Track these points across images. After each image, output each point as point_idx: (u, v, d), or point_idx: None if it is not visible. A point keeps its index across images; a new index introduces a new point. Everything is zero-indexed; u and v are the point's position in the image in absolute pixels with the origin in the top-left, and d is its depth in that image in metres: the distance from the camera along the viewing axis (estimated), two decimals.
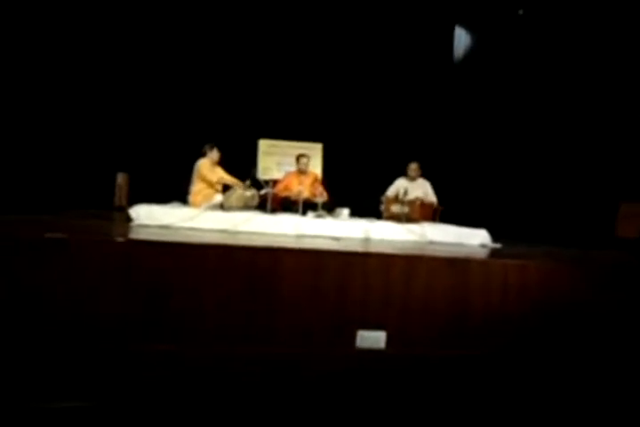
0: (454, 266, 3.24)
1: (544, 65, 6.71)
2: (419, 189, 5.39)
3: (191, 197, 4.91)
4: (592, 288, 3.38)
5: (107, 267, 2.77)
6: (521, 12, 6.90)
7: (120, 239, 2.95)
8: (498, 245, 4.61)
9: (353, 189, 6.30)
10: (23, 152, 5.54)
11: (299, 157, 5.48)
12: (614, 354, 3.28)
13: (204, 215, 4.27)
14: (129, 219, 4.22)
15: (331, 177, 5.95)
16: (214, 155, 5.04)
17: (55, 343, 2.64)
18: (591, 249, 5.04)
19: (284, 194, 5.19)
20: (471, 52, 7.67)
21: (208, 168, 4.94)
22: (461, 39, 7.80)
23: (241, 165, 5.50)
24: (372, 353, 2.95)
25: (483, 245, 4.60)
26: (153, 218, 4.10)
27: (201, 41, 6.84)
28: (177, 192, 5.19)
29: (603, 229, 5.66)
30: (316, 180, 5.51)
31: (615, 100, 5.93)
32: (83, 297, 2.72)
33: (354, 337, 2.95)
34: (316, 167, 6.47)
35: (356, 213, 5.17)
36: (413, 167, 5.51)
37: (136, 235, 3.48)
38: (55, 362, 2.62)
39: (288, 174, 5.62)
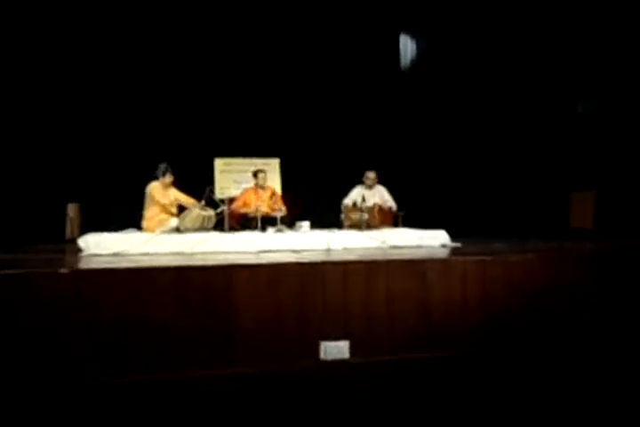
0: (413, 268, 3.23)
1: (491, 67, 6.95)
2: (376, 195, 5.40)
3: (145, 223, 4.73)
4: (553, 279, 3.42)
5: (53, 300, 2.66)
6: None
7: (63, 271, 2.80)
8: (458, 244, 4.65)
9: (312, 201, 6.27)
10: None
11: (256, 173, 5.45)
12: (581, 347, 3.31)
13: (158, 239, 4.12)
14: (79, 250, 4.05)
15: (290, 191, 5.91)
16: (167, 178, 4.85)
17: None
18: (549, 240, 5.14)
19: (243, 210, 5.12)
20: (419, 60, 7.86)
21: (160, 191, 4.76)
22: (408, 47, 7.97)
23: (197, 185, 5.37)
24: (336, 364, 2.88)
25: (443, 246, 4.63)
26: (103, 246, 3.93)
27: (149, 61, 6.69)
28: (132, 219, 5.01)
29: (558, 221, 5.81)
30: (273, 194, 5.46)
31: (561, 99, 6.17)
32: (34, 333, 2.60)
33: (317, 349, 2.88)
34: (274, 182, 6.43)
35: (318, 224, 5.13)
36: (371, 176, 5.50)
37: (83, 265, 3.32)
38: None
39: (246, 190, 5.56)
